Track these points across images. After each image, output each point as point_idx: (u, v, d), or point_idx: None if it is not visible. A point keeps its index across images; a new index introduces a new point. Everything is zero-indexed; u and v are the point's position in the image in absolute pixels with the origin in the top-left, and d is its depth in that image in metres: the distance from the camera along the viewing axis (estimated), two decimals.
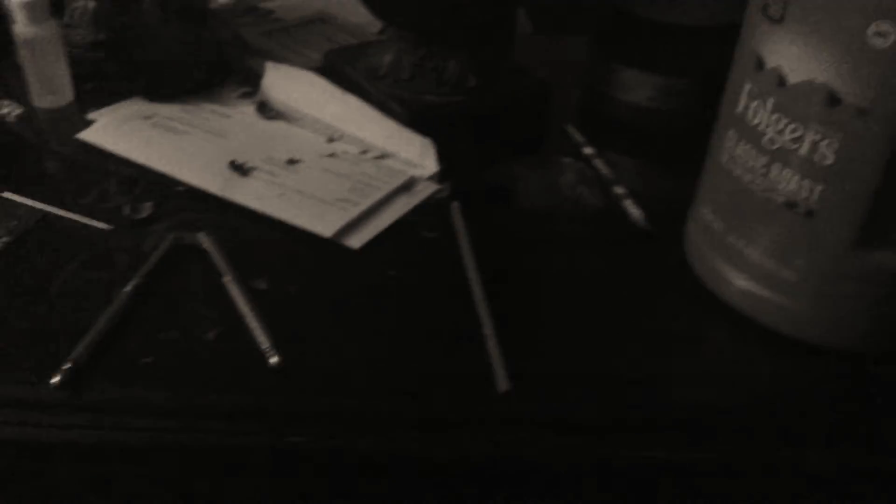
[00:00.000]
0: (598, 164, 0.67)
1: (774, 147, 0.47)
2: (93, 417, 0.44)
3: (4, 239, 0.55)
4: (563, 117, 0.74)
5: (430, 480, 0.46)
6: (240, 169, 0.63)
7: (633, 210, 0.61)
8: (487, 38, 0.73)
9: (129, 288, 0.51)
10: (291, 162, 0.65)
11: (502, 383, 0.46)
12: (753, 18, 0.48)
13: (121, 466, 0.45)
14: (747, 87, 0.49)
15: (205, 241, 0.55)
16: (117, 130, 0.67)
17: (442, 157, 0.65)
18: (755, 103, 0.48)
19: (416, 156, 0.66)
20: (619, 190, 0.64)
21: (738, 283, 0.51)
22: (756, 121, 0.48)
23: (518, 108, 0.72)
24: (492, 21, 0.75)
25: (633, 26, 0.71)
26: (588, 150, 0.69)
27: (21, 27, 0.67)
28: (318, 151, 0.66)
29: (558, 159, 0.66)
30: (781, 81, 0.46)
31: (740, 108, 0.49)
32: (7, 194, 0.59)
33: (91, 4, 0.71)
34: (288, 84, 0.71)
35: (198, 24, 0.73)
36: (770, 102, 0.47)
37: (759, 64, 0.47)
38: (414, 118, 0.67)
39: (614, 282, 0.56)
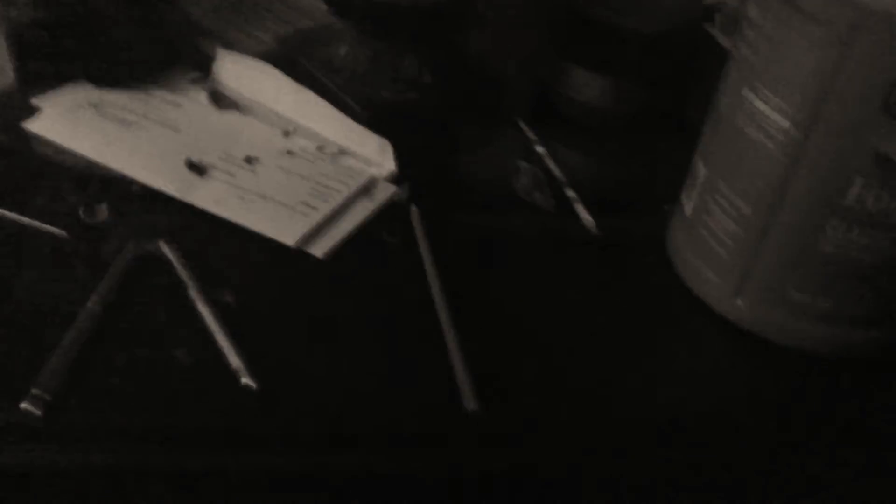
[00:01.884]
0: (550, 164, 0.69)
1: None
2: (64, 442, 0.45)
3: None
4: (516, 113, 0.75)
5: (402, 498, 0.48)
6: (197, 168, 0.62)
7: (585, 215, 0.64)
8: (443, 32, 0.74)
9: (91, 304, 0.50)
10: (249, 160, 0.64)
11: (469, 402, 0.49)
12: (869, 115, 0.46)
13: (90, 491, 0.46)
14: (860, 180, 0.48)
15: (166, 249, 0.55)
16: (65, 120, 0.65)
17: (398, 155, 0.66)
18: (873, 193, 0.48)
19: (373, 154, 0.66)
20: (570, 193, 0.66)
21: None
22: (878, 208, 0.49)
23: (472, 105, 0.73)
24: (448, 12, 0.75)
25: (586, 27, 0.72)
26: (540, 149, 0.71)
27: None
28: (276, 147, 0.66)
29: (515, 162, 0.68)
30: None
31: (850, 199, 0.49)
32: None
33: None
34: (241, 72, 0.70)
35: (146, 4, 0.71)
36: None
37: (883, 159, 0.47)
38: (370, 116, 0.67)
39: (574, 287, 0.59)
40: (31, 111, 0.65)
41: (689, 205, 0.59)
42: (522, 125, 0.74)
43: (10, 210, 0.57)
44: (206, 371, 0.48)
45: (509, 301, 0.57)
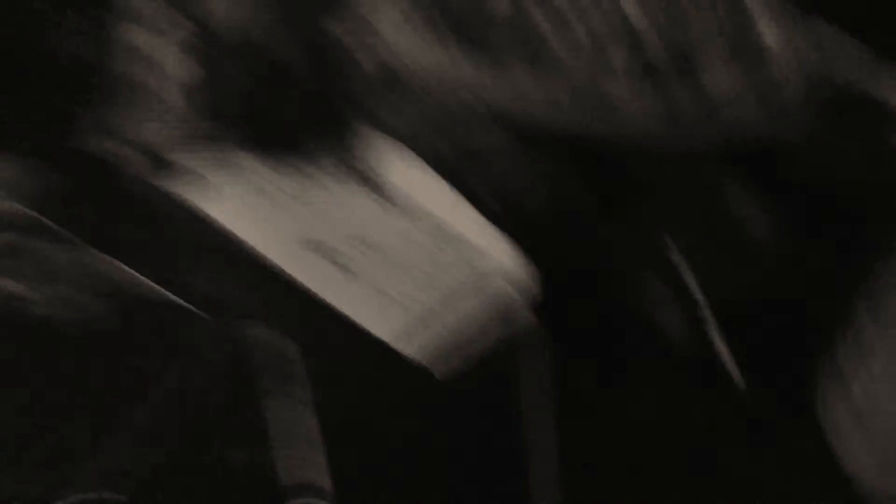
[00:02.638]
0: (684, 278, 0.64)
1: None
2: None
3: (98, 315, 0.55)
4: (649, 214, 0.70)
5: None
6: (313, 246, 0.62)
7: (724, 351, 0.58)
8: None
9: (199, 384, 0.51)
10: (368, 244, 0.63)
11: None
12: None
13: None
14: None
15: (275, 338, 0.54)
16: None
17: (536, 270, 0.62)
18: None
19: (502, 256, 0.64)
20: (707, 320, 0.61)
21: None
22: None
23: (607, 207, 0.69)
24: None
25: None
26: (675, 259, 0.65)
27: None
28: (399, 233, 0.65)
29: (645, 273, 0.63)
30: None
31: None
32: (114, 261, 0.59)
33: None
34: (380, 153, 0.70)
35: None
36: None
37: None
38: (506, 215, 0.65)
39: (702, 440, 0.53)
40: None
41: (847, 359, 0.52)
42: (657, 232, 0.69)
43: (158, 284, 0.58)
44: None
45: (628, 445, 0.52)
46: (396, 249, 0.63)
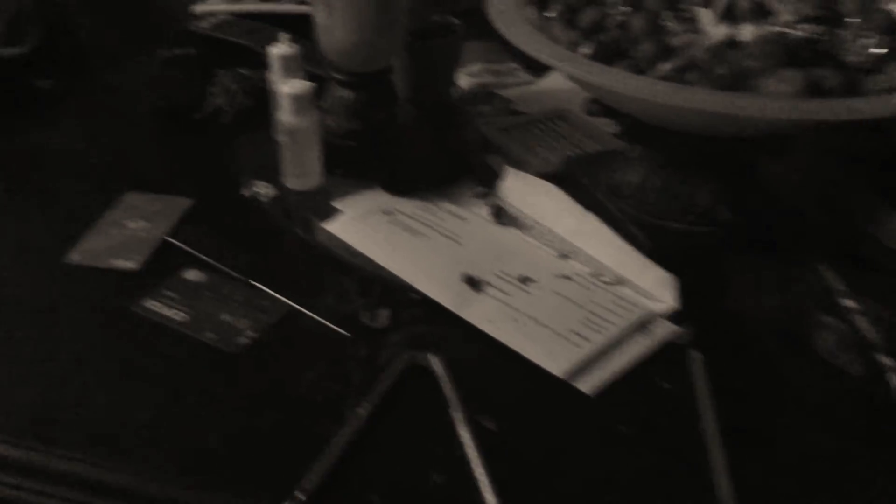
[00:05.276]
0: (861, 321, 0.60)
1: None
2: None
3: (250, 334, 0.58)
4: (817, 255, 0.67)
5: None
6: (473, 283, 0.62)
7: None
8: (742, 161, 0.69)
9: (362, 410, 0.51)
10: (524, 280, 0.63)
11: None
12: None
13: None
14: None
15: (436, 364, 0.55)
16: (359, 225, 0.69)
17: (682, 292, 0.61)
18: None
19: (654, 287, 0.62)
20: (886, 360, 0.57)
21: None
22: None
23: (767, 242, 0.66)
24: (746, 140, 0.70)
25: None
26: (849, 303, 0.62)
27: (286, 115, 0.71)
28: (552, 270, 0.65)
29: (818, 315, 0.60)
30: None
31: None
32: (258, 285, 0.63)
33: (349, 95, 0.74)
34: (525, 191, 0.71)
35: (446, 122, 0.74)
36: None
37: None
38: (655, 246, 0.63)
39: (874, 474, 0.49)
40: (331, 212, 0.70)
41: None
42: (824, 270, 0.66)
43: (302, 305, 0.61)
44: (460, 500, 0.46)
45: (796, 478, 0.49)
46: (561, 290, 0.63)
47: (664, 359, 0.57)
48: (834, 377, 0.56)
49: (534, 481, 0.48)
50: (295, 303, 0.61)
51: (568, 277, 0.64)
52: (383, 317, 0.59)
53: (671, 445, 0.51)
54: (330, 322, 0.59)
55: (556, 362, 0.55)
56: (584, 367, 0.56)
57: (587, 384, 0.55)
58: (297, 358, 0.56)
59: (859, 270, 0.65)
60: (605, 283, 0.64)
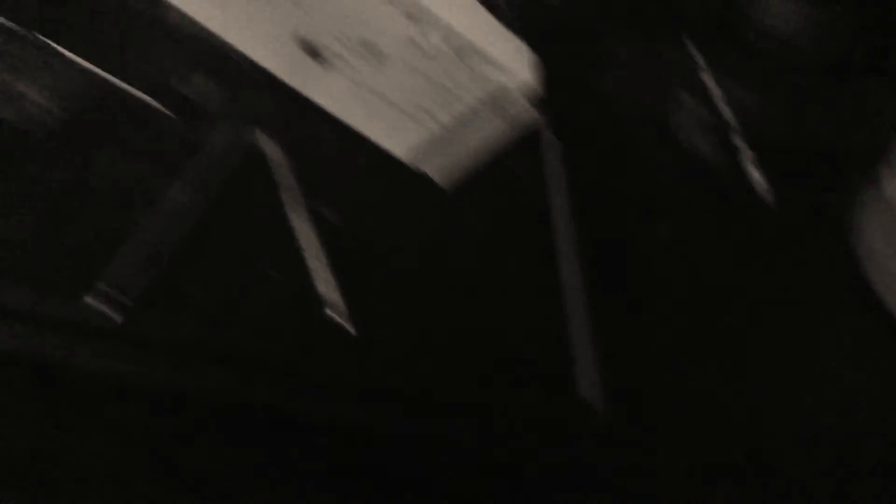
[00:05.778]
0: (720, 102, 0.58)
1: None
2: (130, 349, 0.40)
3: (58, 114, 0.48)
4: (684, 30, 0.63)
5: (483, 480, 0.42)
6: (312, 51, 0.54)
7: (757, 177, 0.53)
8: None
9: (179, 195, 0.45)
10: (368, 46, 0.55)
11: (596, 402, 0.41)
12: None
13: (138, 406, 0.41)
14: None
15: (269, 147, 0.48)
16: None
17: (542, 70, 0.56)
18: None
19: (509, 61, 0.56)
20: (741, 144, 0.55)
21: None
22: None
23: (630, 13, 0.61)
24: None
25: None
26: (709, 81, 0.59)
27: None
28: (399, 35, 0.57)
29: (677, 94, 0.57)
30: None
31: None
32: (66, 52, 0.51)
33: None
34: None
35: None
36: None
37: None
38: (517, 16, 0.57)
39: (730, 264, 0.49)
40: None
41: (892, 185, 0.48)
42: (690, 46, 0.62)
43: (104, 69, 0.51)
44: (294, 294, 0.42)
45: (651, 269, 0.48)
46: (407, 59, 0.55)
47: (519, 142, 0.53)
48: (690, 164, 0.54)
49: (375, 275, 0.44)
50: (104, 70, 0.51)
51: (416, 44, 0.57)
52: (200, 84, 0.51)
53: (523, 238, 0.48)
54: (146, 95, 0.50)
55: (402, 144, 0.50)
56: (431, 150, 0.51)
57: (434, 168, 0.50)
58: (105, 138, 0.48)
59: (726, 48, 0.62)
60: (455, 52, 0.57)
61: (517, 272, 0.46)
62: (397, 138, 0.50)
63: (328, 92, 0.52)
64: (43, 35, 0.51)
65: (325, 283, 0.42)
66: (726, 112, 0.57)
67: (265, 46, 0.53)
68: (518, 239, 0.48)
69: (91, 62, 0.50)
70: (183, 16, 0.54)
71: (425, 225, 0.47)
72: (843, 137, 0.57)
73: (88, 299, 0.40)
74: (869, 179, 0.50)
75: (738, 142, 0.55)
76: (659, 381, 0.42)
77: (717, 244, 0.50)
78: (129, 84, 0.50)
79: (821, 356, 0.46)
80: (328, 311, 0.42)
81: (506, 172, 0.51)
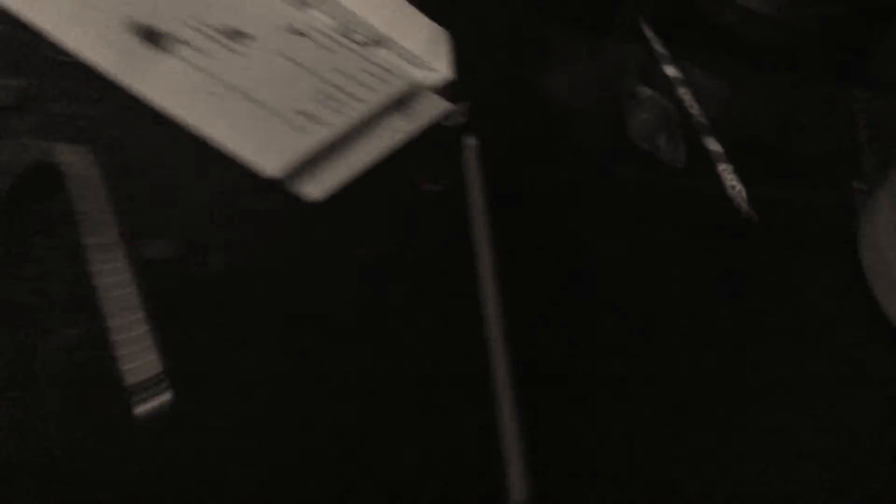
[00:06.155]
0: (685, 96, 0.46)
1: None
2: None
3: None
4: (638, 14, 0.52)
5: None
6: (153, 38, 0.41)
7: (732, 179, 0.42)
8: None
9: None
10: (236, 35, 0.43)
11: (517, 491, 0.28)
12: None
13: None
14: None
15: (76, 162, 0.35)
16: None
17: (458, 59, 0.44)
18: None
19: (422, 51, 0.44)
20: (712, 143, 0.44)
21: None
22: None
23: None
24: None
25: None
26: (672, 72, 0.48)
27: None
28: (279, 23, 0.45)
29: (634, 87, 0.45)
30: None
31: None
32: None
33: None
34: None
35: None
36: None
37: None
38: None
39: (704, 285, 0.37)
40: None
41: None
42: (647, 32, 0.51)
43: None
44: (84, 376, 0.29)
45: (602, 300, 0.35)
46: (285, 50, 0.43)
47: (430, 150, 0.41)
48: (651, 167, 0.42)
49: (211, 334, 0.31)
50: None
51: (302, 34, 0.44)
52: (9, 91, 0.38)
53: (436, 271, 0.35)
54: None
55: (270, 157, 0.37)
56: (314, 163, 0.38)
57: (316, 187, 0.37)
58: None
59: (690, 37, 0.50)
60: (355, 42, 0.45)
61: (427, 316, 0.33)
62: (266, 150, 0.37)
63: (169, 87, 0.39)
64: None
65: (134, 351, 0.29)
66: (695, 107, 0.45)
67: (92, 36, 0.40)
68: (429, 272, 0.35)
69: None
70: None
71: (294, 258, 0.34)
72: (831, 133, 0.46)
73: None
74: (870, 179, 0.39)
75: (709, 139, 0.43)
76: (604, 454, 0.30)
77: (684, 258, 0.38)
78: None
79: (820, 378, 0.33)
80: (137, 397, 0.28)
81: (413, 187, 0.38)
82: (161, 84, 0.39)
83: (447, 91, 0.43)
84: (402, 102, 0.42)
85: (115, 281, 0.31)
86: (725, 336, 0.36)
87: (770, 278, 0.39)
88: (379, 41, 0.45)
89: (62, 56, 0.40)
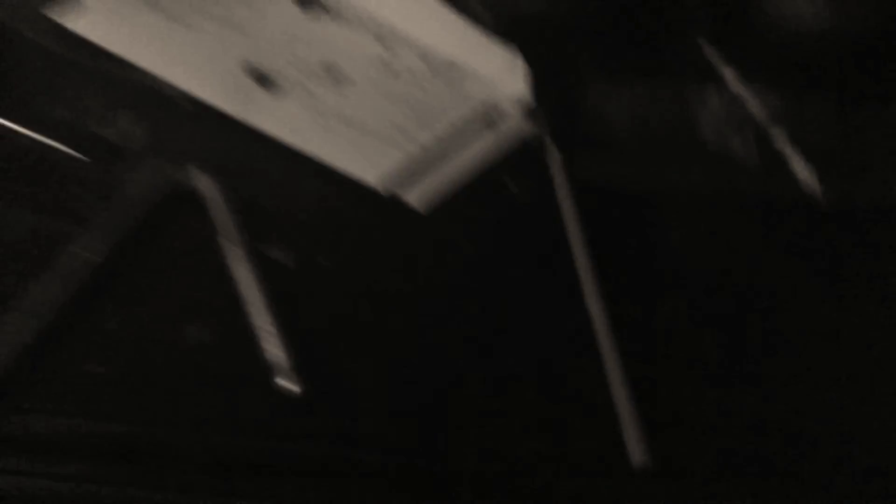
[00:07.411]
0: (748, 98, 0.49)
1: None
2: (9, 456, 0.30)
3: None
4: (695, 29, 0.55)
5: None
6: (262, 79, 0.46)
7: (805, 174, 0.44)
8: None
9: (80, 249, 0.36)
10: (330, 71, 0.48)
11: (636, 455, 0.30)
12: None
13: None
14: None
15: (201, 181, 0.39)
16: (103, 13, 0.50)
17: (533, 78, 0.47)
18: None
19: (498, 73, 0.48)
20: (781, 141, 0.46)
21: None
22: None
23: (634, 16, 0.53)
24: None
25: None
26: (733, 79, 0.50)
27: None
28: (368, 58, 0.49)
29: (698, 94, 0.48)
30: None
31: None
32: None
33: None
34: None
35: None
36: None
37: None
38: (500, 23, 0.49)
39: (783, 274, 0.39)
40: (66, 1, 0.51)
41: None
42: (703, 45, 0.54)
43: (19, 122, 0.43)
44: (230, 360, 0.32)
45: (689, 290, 0.38)
46: (373, 80, 0.47)
47: (515, 160, 0.44)
48: (724, 167, 0.44)
49: (337, 328, 0.34)
50: (13, 122, 0.43)
51: (390, 67, 0.49)
52: (137, 133, 0.43)
53: (529, 266, 0.38)
54: (62, 144, 0.42)
55: (373, 169, 0.41)
56: (411, 174, 0.42)
57: (415, 195, 0.41)
58: (16, 189, 0.39)
59: (745, 48, 0.53)
60: (435, 70, 0.49)
61: (526, 308, 0.36)
62: (367, 164, 0.41)
63: (283, 121, 0.43)
64: None
65: (272, 345, 0.33)
66: (760, 110, 0.48)
67: (207, 79, 0.45)
68: (524, 268, 0.38)
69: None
70: (109, 57, 0.46)
71: (401, 260, 0.38)
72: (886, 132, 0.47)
73: None
74: None
75: (779, 138, 0.46)
76: (707, 421, 0.32)
77: (758, 250, 0.40)
78: (42, 133, 0.42)
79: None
80: (279, 381, 0.32)
81: (500, 190, 0.41)
82: (278, 121, 0.44)
83: (526, 107, 0.47)
84: (486, 119, 0.46)
85: (248, 284, 0.35)
86: (818, 312, 0.37)
87: (840, 268, 0.40)
88: (459, 68, 0.49)
89: (185, 101, 0.45)
